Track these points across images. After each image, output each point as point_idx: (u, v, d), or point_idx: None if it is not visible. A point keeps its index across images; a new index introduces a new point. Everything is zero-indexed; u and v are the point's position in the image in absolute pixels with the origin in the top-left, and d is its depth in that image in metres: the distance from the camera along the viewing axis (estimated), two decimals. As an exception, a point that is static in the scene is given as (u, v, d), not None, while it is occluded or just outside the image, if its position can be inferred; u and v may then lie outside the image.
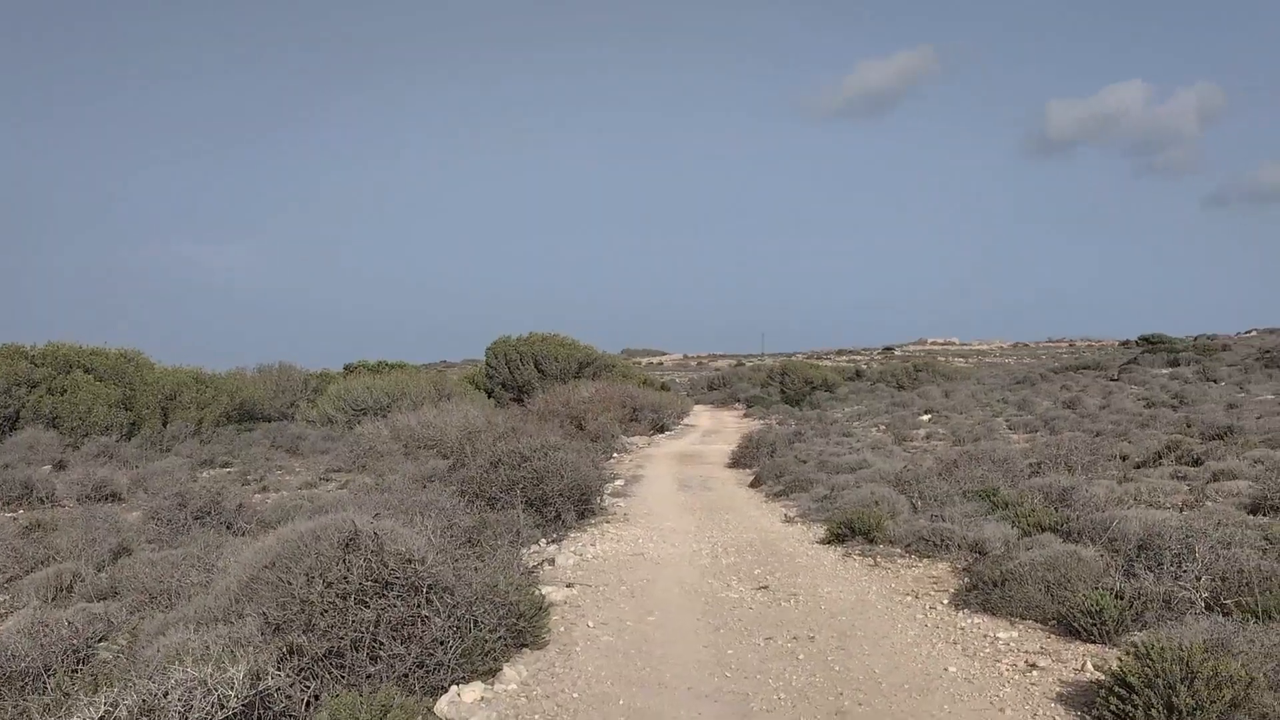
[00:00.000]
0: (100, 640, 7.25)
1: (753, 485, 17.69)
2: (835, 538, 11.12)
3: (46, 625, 7.26)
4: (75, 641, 6.85)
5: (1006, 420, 28.44)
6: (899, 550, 10.36)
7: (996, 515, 11.05)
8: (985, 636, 7.17)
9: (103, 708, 4.85)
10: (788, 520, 13.24)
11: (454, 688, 5.89)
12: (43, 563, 11.41)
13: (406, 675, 5.85)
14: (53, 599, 9.97)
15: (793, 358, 79.50)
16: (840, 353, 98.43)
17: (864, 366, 72.00)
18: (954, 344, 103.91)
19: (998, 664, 6.53)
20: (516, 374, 42.45)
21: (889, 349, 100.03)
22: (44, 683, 6.03)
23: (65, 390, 28.01)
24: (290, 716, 5.62)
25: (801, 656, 6.81)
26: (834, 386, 49.09)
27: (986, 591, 7.94)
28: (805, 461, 19.02)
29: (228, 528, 12.71)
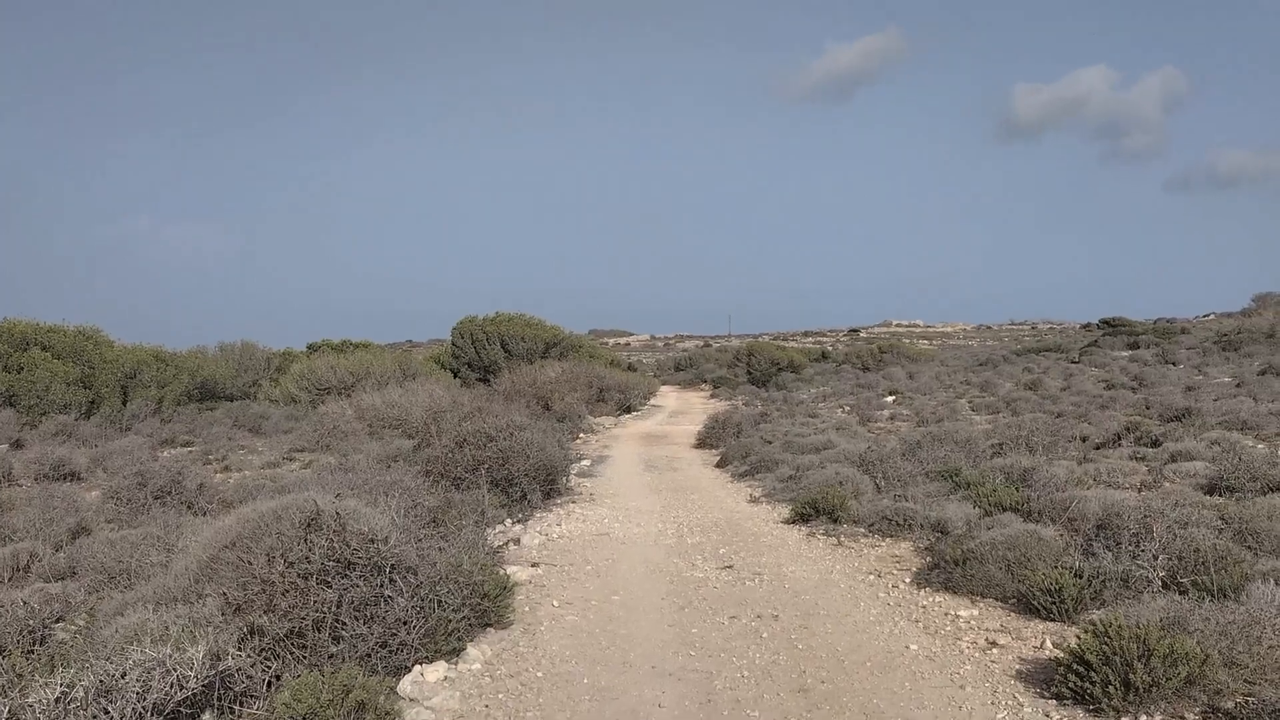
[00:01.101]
0: (57, 621, 7.15)
1: (719, 466, 17.75)
2: (800, 517, 11.19)
3: (1, 605, 7.14)
4: (31, 622, 6.74)
5: (969, 402, 28.70)
6: (863, 530, 10.44)
7: (959, 495, 11.17)
8: (946, 615, 7.24)
9: (59, 688, 4.77)
10: (753, 500, 13.30)
11: (417, 667, 5.86)
12: (-2, 542, 11.21)
13: (369, 655, 5.81)
14: (9, 579, 9.79)
15: (759, 339, 79.73)
16: (806, 334, 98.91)
17: (830, 348, 72.38)
18: (919, 326, 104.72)
19: (958, 642, 6.59)
20: (483, 354, 42.24)
21: (855, 331, 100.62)
22: (-2, 663, 5.91)
23: (22, 368, 27.49)
24: (251, 697, 5.57)
25: (765, 635, 6.84)
26: (800, 368, 49.30)
27: (948, 570, 8.02)
28: (771, 442, 19.09)
29: (189, 508, 12.55)
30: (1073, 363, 42.89)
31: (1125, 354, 44.54)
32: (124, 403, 28.68)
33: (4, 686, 4.93)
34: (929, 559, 8.76)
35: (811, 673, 6.04)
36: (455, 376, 39.33)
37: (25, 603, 7.16)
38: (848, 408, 29.59)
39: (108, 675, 4.92)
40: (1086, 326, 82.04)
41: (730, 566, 9.06)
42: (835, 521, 10.79)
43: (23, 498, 14.23)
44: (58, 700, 4.78)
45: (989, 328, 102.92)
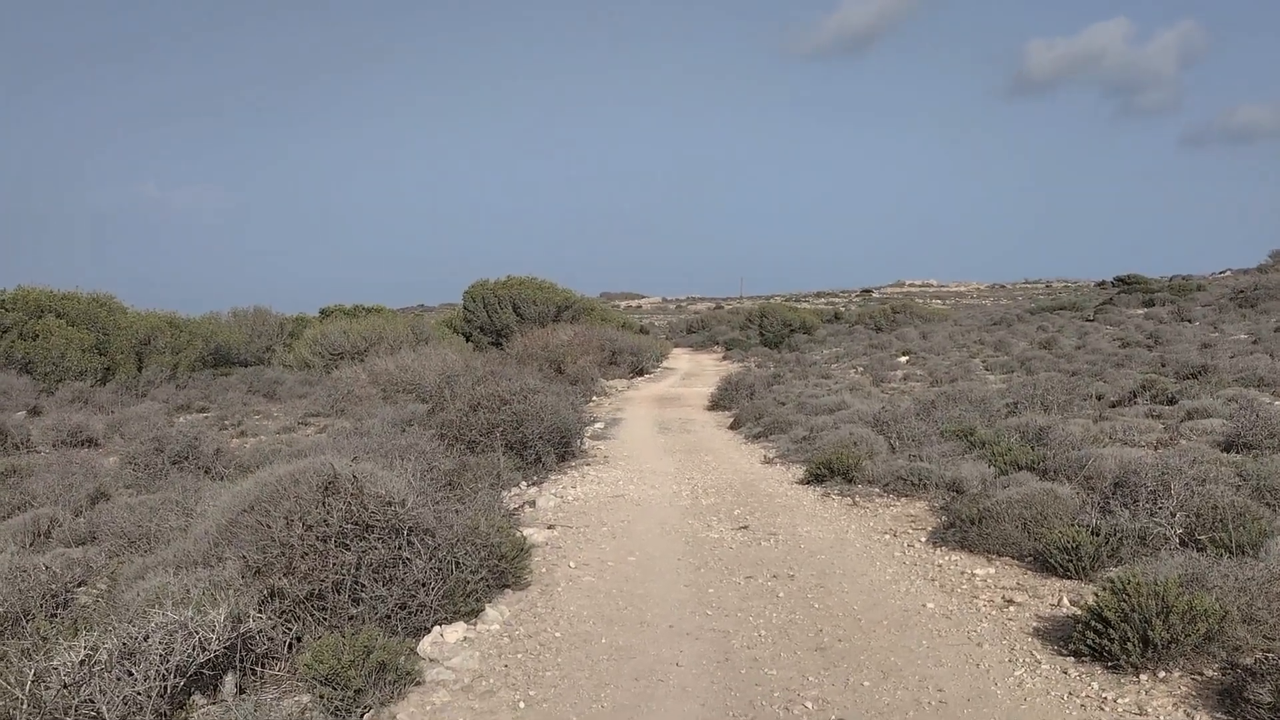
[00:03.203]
0: (79, 585, 7.22)
1: (732, 427, 17.76)
2: (814, 478, 11.19)
3: (24, 570, 7.21)
4: (54, 586, 6.81)
5: (983, 361, 28.59)
6: (877, 490, 10.44)
7: (973, 454, 11.14)
8: (962, 573, 7.24)
9: (83, 651, 4.81)
10: (767, 461, 13.30)
11: (436, 628, 5.90)
12: (19, 508, 11.33)
13: (389, 616, 5.85)
14: (30, 544, 9.89)
15: (771, 300, 79.53)
16: (819, 295, 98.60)
17: (842, 309, 72.14)
18: (932, 286, 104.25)
19: (975, 600, 6.60)
20: (494, 318, 42.25)
21: (867, 291, 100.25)
22: (23, 627, 5.99)
23: (37, 335, 27.64)
24: (273, 658, 5.63)
25: (781, 594, 6.86)
26: (812, 329, 49.18)
27: (964, 529, 8.01)
28: (784, 403, 19.10)
29: (206, 472, 12.65)
30: (1087, 321, 42.64)
31: (1140, 312, 44.21)
32: (139, 369, 28.83)
33: (29, 649, 4.98)
34: (944, 518, 8.76)
35: (829, 631, 6.06)
36: (468, 340, 39.39)
37: (47, 567, 7.23)
38: (861, 368, 29.52)
39: (130, 638, 4.96)
40: (1101, 284, 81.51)
41: (746, 527, 9.08)
42: (850, 482, 10.79)
43: (41, 464, 14.37)
44: (82, 662, 4.83)
45: (1003, 286, 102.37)
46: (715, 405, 21.86)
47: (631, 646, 5.88)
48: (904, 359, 31.68)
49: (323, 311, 43.20)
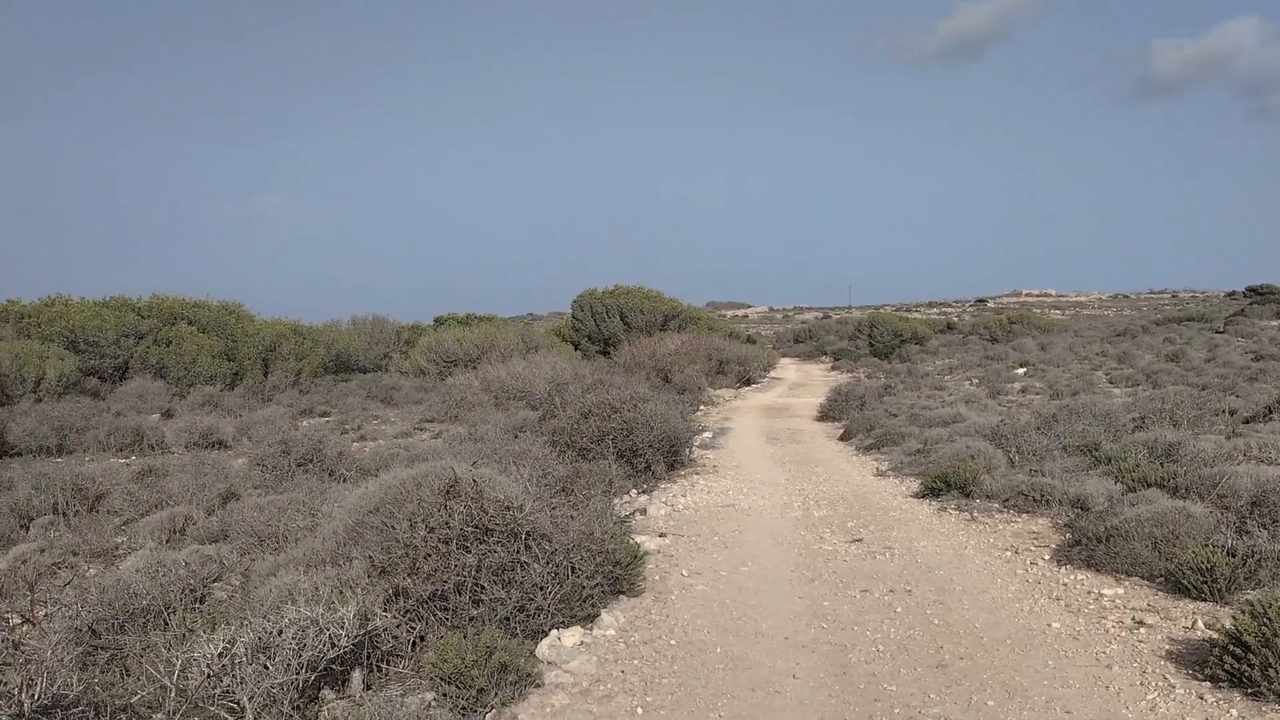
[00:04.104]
0: (215, 580, 7.56)
1: (842, 439, 17.53)
2: (930, 492, 10.97)
3: (164, 566, 7.58)
4: (192, 581, 7.14)
5: (1106, 374, 27.60)
6: (996, 505, 10.16)
7: (1099, 470, 10.77)
8: (1089, 593, 7.00)
9: (221, 644, 5.04)
10: (879, 474, 13.09)
11: (554, 632, 5.99)
12: (156, 506, 11.91)
13: (508, 619, 5.96)
14: (167, 541, 10.41)
15: (881, 310, 78.23)
16: (931, 305, 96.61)
17: (955, 319, 70.54)
18: (1050, 295, 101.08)
19: (1103, 621, 6.38)
20: (602, 326, 42.62)
21: (981, 301, 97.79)
22: (165, 620, 6.29)
23: (171, 341, 29.05)
24: (397, 656, 5.80)
25: (899, 610, 6.75)
26: (924, 339, 48.20)
27: (1090, 547, 7.74)
28: (896, 415, 18.77)
29: (329, 474, 13.09)
30: (1217, 333, 40.75)
31: (1275, 323, 42.01)
32: (265, 374, 30.02)
33: (173, 641, 5.24)
34: (1069, 536, 8.48)
35: (949, 649, 5.93)
36: (576, 349, 39.82)
37: (186, 563, 7.59)
38: (976, 380, 28.80)
39: (265, 633, 5.17)
40: (1232, 294, 77.75)
41: (860, 540, 8.95)
42: (967, 496, 10.54)
43: (176, 464, 15.09)
44: (220, 655, 5.06)
45: (1126, 296, 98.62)
46: (824, 416, 21.61)
47: (747, 657, 5.86)
48: (1021, 371, 30.78)
49: (437, 320, 44.30)
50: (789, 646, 6.03)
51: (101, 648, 5.41)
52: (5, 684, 3.47)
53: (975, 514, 9.93)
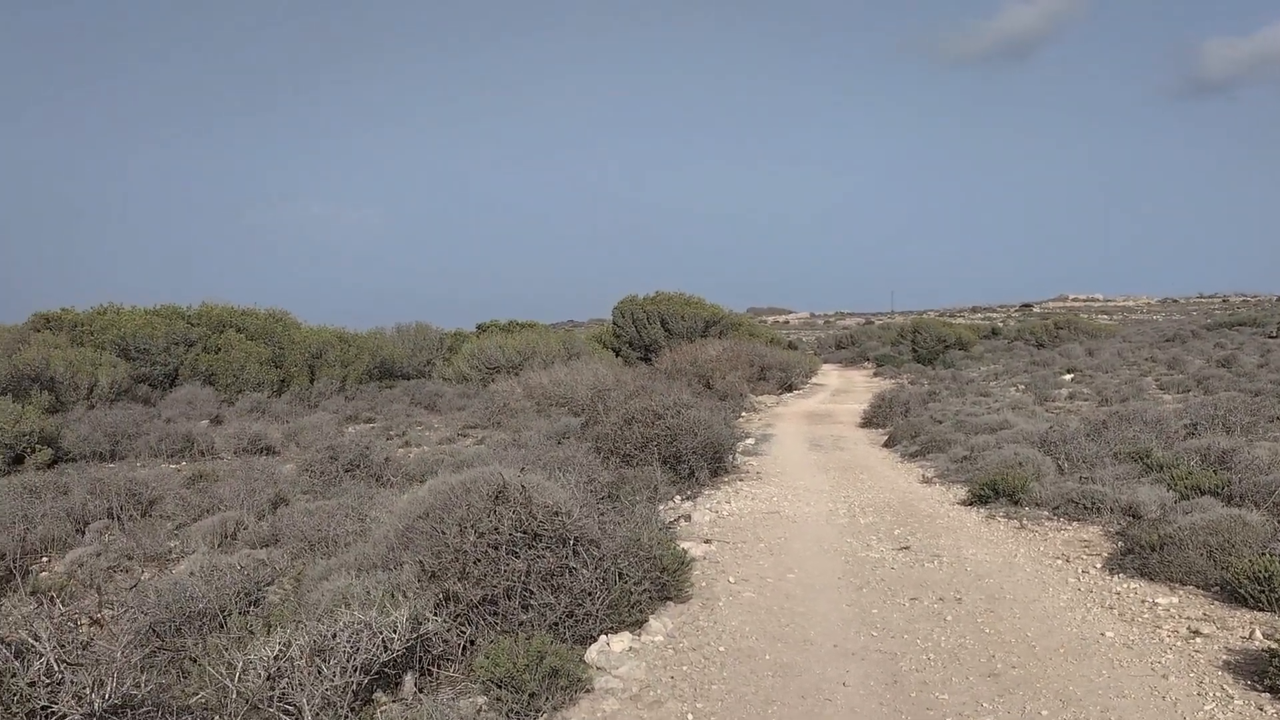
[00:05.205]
0: (268, 584, 7.67)
1: (886, 445, 17.41)
2: (977, 499, 10.86)
3: (218, 570, 7.71)
4: (246, 585, 7.25)
5: (1156, 379, 27.14)
6: (1046, 513, 10.05)
7: (1150, 478, 10.61)
8: (1143, 602, 6.90)
9: (277, 646, 5.13)
10: (925, 481, 12.99)
11: (603, 637, 6.02)
12: (208, 511, 12.09)
13: (557, 624, 6.00)
14: (219, 545, 10.57)
15: (924, 315, 77.58)
16: (974, 310, 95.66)
17: (1000, 324, 69.77)
18: (1097, 300, 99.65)
19: (1158, 630, 6.28)
20: (643, 333, 42.67)
21: (1027, 306, 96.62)
22: (221, 622, 6.41)
23: (220, 349, 29.51)
24: (448, 660, 5.85)
25: (949, 618, 6.69)
26: (969, 345, 47.71)
27: (1143, 556, 7.63)
28: (941, 421, 18.60)
29: (376, 480, 13.23)
30: (1270, 337, 39.94)
31: (1332, 328, 41.07)
32: (311, 381, 30.38)
33: (230, 643, 5.33)
34: (1121, 544, 8.36)
35: (1001, 657, 5.87)
36: (617, 355, 39.91)
37: (240, 567, 7.71)
38: (1022, 386, 28.45)
39: (320, 635, 5.25)
40: (1285, 299, 76.12)
41: (907, 548, 8.89)
42: (1016, 504, 10.43)
43: (226, 470, 15.32)
44: (276, 657, 5.14)
45: (1175, 301, 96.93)
46: (868, 422, 21.47)
47: (796, 664, 5.85)
48: (1069, 377, 30.37)
49: (479, 327, 44.61)
50: (838, 654, 6.01)
51: (163, 649, 5.52)
52: (77, 684, 3.56)
53: (1024, 521, 9.82)
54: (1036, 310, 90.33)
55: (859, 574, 8.00)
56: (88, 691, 3.56)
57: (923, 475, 13.46)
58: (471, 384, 31.03)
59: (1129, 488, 10.03)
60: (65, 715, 3.49)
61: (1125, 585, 7.35)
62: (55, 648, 3.73)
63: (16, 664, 3.75)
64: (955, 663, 5.81)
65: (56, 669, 3.67)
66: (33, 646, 3.85)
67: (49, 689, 3.58)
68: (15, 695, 3.57)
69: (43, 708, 3.52)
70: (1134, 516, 9.28)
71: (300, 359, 30.98)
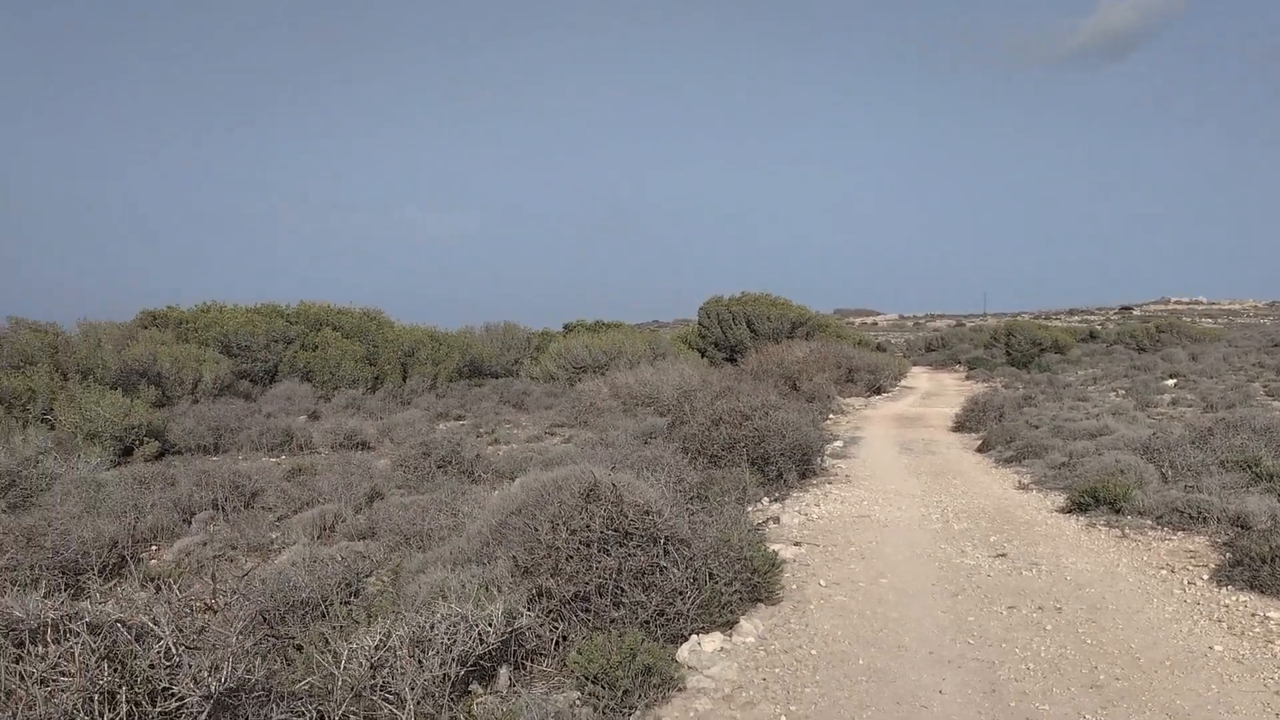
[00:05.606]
0: (367, 575, 7.87)
1: (980, 450, 17.05)
2: (1076, 506, 10.57)
3: (319, 560, 7.93)
4: (346, 576, 7.44)
5: (1264, 385, 26.06)
6: (1149, 522, 9.73)
7: (1259, 487, 10.21)
8: (1254, 615, 6.64)
9: (379, 636, 5.26)
10: (1021, 487, 12.68)
11: (694, 637, 6.03)
12: (307, 504, 12.44)
13: (648, 622, 6.03)
14: (318, 537, 10.87)
15: (1018, 318, 75.73)
16: (1071, 312, 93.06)
17: (1099, 327, 67.75)
18: (1200, 303, 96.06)
19: (1270, 645, 6.04)
20: (729, 333, 42.55)
21: (1127, 309, 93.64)
22: (322, 611, 6.59)
23: (317, 346, 30.35)
24: (540, 654, 5.93)
25: (1049, 627, 6.53)
26: (1065, 348, 46.38)
27: (1254, 568, 7.34)
28: (1037, 427, 18.15)
29: (467, 476, 13.46)
30: (1392, 343, 37.95)
31: None
32: (404, 378, 31.04)
33: (335, 631, 5.49)
34: (1229, 555, 8.04)
35: (1104, 669, 5.71)
36: (702, 355, 39.86)
37: (342, 558, 7.93)
38: (1122, 391, 27.59)
39: (419, 627, 5.37)
40: None
41: (1004, 555, 8.70)
42: (1117, 512, 10.12)
43: (323, 464, 15.75)
44: (377, 647, 5.28)
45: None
46: (960, 426, 21.05)
47: (890, 670, 5.78)
48: (1171, 382, 29.34)
49: (566, 327, 45.03)
50: (934, 661, 5.92)
51: (272, 636, 5.71)
52: (194, 667, 3.71)
53: (1126, 530, 9.53)
54: (1137, 313, 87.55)
55: (954, 580, 7.86)
56: (205, 674, 3.71)
57: (1018, 481, 13.15)
58: (558, 383, 31.33)
59: (1237, 497, 9.66)
60: (184, 697, 3.64)
61: (1234, 598, 7.08)
62: (174, 632, 3.89)
63: (137, 646, 3.92)
64: (1056, 673, 5.67)
65: (175, 652, 3.83)
66: (151, 630, 4.01)
67: (168, 671, 3.74)
68: (137, 676, 3.73)
69: (163, 689, 3.67)
70: (1242, 527, 8.94)
71: (393, 357, 31.66)
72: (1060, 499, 11.26)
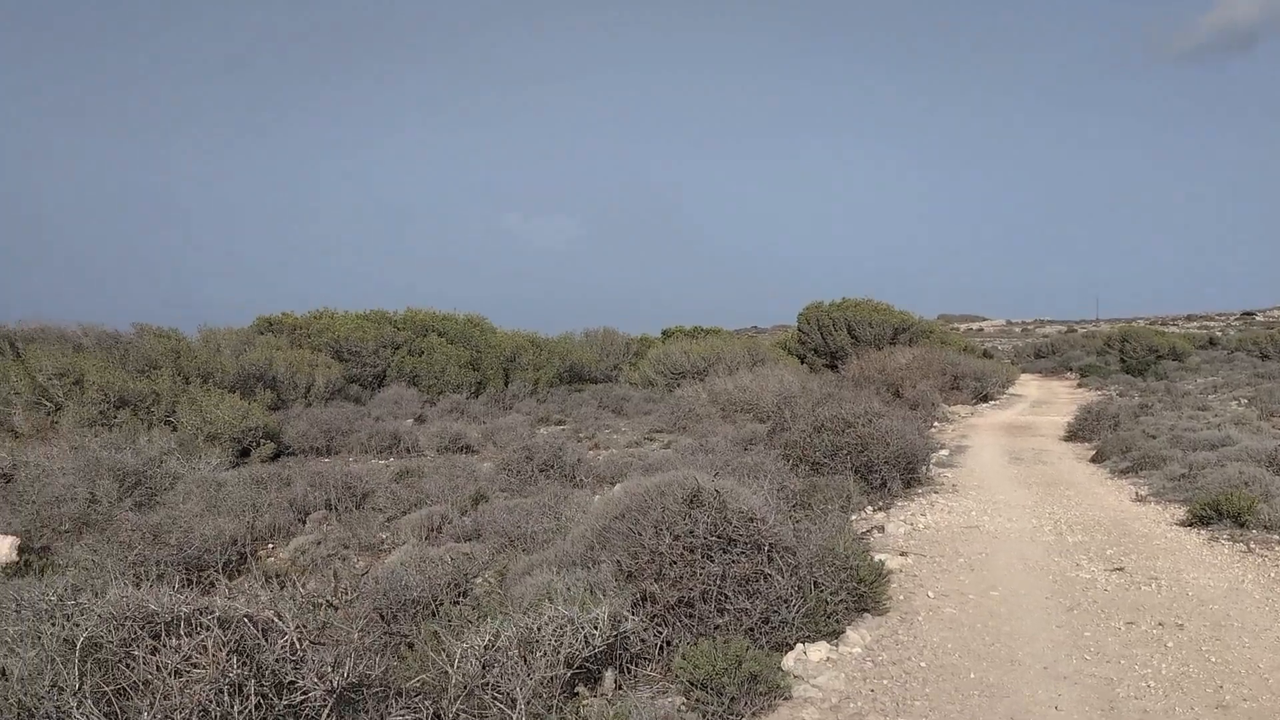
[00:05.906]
0: (474, 576, 8.04)
1: (1094, 460, 16.49)
2: (1198, 520, 10.15)
3: (429, 561, 8.13)
4: (455, 576, 7.62)
5: (1405, 396, 24.58)
6: (1276, 536, 9.29)
7: (1403, 503, 9.64)
8: (1396, 639, 6.28)
9: (488, 636, 5.37)
10: (1138, 499, 12.23)
11: (800, 646, 5.99)
12: (415, 505, 12.75)
13: (752, 630, 6.01)
14: (426, 538, 11.13)
15: (1133, 323, 73.04)
16: (1189, 318, 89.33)
17: (1219, 333, 64.90)
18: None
19: None
20: (829, 340, 42.07)
21: (1248, 314, 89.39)
22: (432, 610, 6.76)
23: (423, 352, 31.07)
24: (645, 659, 5.97)
25: (1170, 644, 6.29)
26: (1184, 355, 44.57)
27: (1396, 589, 6.95)
28: (1155, 436, 17.48)
29: (569, 480, 13.60)
30: None
31: None
32: (506, 383, 31.55)
33: (447, 630, 5.62)
34: (1368, 574, 7.64)
35: (1230, 688, 5.47)
36: (802, 362, 39.51)
37: (452, 560, 8.11)
38: (1245, 400, 26.35)
39: (527, 628, 5.46)
40: None
41: (1121, 569, 8.40)
42: (1242, 526, 9.69)
43: (430, 467, 16.11)
44: (487, 646, 5.39)
45: None
46: (1073, 436, 20.39)
47: (1003, 685, 5.64)
48: (1299, 391, 27.90)
49: (664, 332, 45.11)
50: (1048, 677, 5.75)
51: (390, 634, 5.88)
52: (318, 662, 3.85)
53: (1252, 545, 9.11)
54: (1259, 319, 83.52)
55: (1068, 594, 7.62)
56: (328, 669, 3.84)
57: (1135, 493, 12.68)
58: (657, 389, 31.42)
59: (1377, 513, 9.15)
60: (308, 691, 3.78)
61: (1374, 620, 6.71)
62: (297, 627, 4.04)
63: (263, 640, 4.08)
64: (1178, 691, 5.45)
65: (299, 647, 3.97)
66: (276, 625, 4.17)
67: (293, 665, 3.88)
68: (264, 669, 3.89)
69: (289, 682, 3.82)
70: (1384, 545, 8.46)
71: (496, 362, 32.20)
72: (1180, 512, 10.83)
